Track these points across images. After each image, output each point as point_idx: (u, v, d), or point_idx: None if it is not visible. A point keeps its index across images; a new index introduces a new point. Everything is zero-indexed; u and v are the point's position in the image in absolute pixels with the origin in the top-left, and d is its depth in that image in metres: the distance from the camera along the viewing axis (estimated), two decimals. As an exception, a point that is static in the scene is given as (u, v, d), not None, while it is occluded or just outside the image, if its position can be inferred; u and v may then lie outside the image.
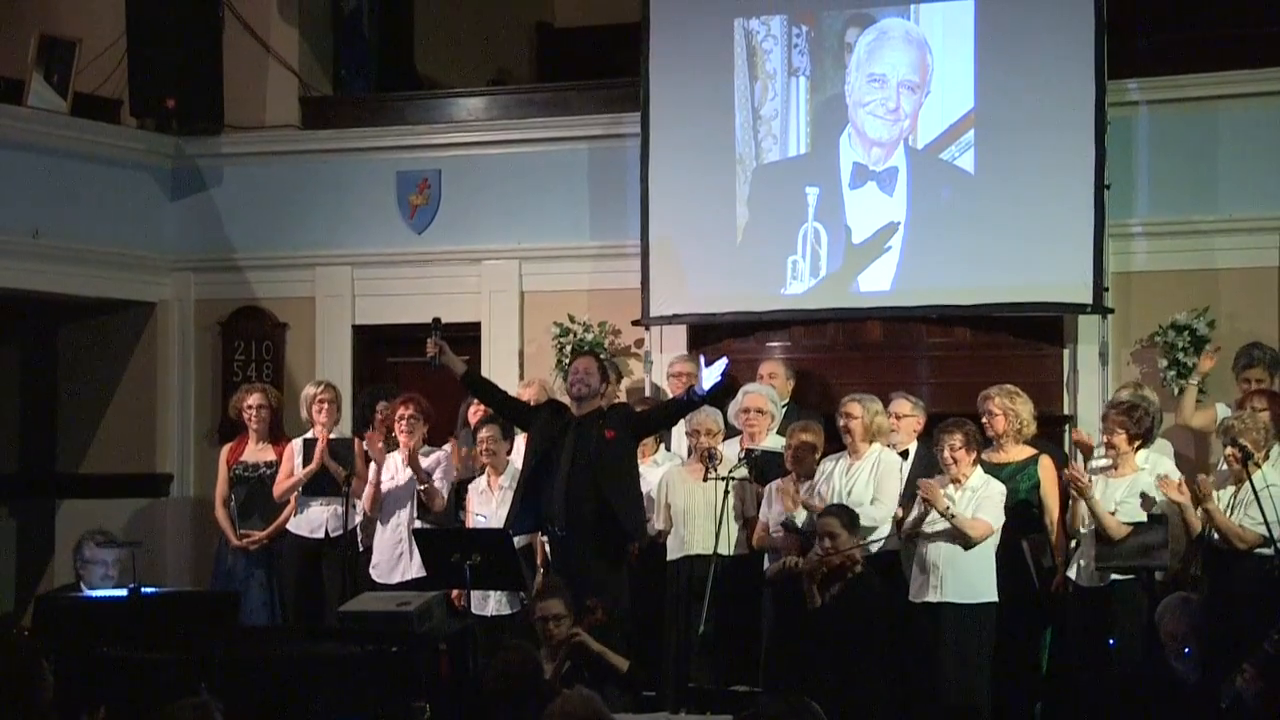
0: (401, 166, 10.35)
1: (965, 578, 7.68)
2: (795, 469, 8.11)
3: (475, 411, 9.08)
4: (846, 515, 7.68)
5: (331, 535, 9.15)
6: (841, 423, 8.18)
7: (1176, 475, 7.85)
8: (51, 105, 9.83)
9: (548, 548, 8.44)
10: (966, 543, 7.64)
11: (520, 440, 8.74)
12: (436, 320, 8.40)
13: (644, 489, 8.44)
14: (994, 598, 7.70)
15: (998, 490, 7.74)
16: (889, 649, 7.67)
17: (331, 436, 9.18)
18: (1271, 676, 6.34)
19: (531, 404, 8.75)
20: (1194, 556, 7.88)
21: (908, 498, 7.96)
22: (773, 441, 8.44)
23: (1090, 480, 7.70)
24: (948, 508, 7.59)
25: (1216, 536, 7.62)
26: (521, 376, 9.89)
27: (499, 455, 8.63)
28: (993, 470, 7.89)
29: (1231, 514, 7.54)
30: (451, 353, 8.44)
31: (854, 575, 7.63)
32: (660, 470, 8.64)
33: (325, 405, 9.27)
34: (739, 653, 8.11)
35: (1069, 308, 8.97)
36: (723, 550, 8.04)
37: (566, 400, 8.55)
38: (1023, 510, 7.93)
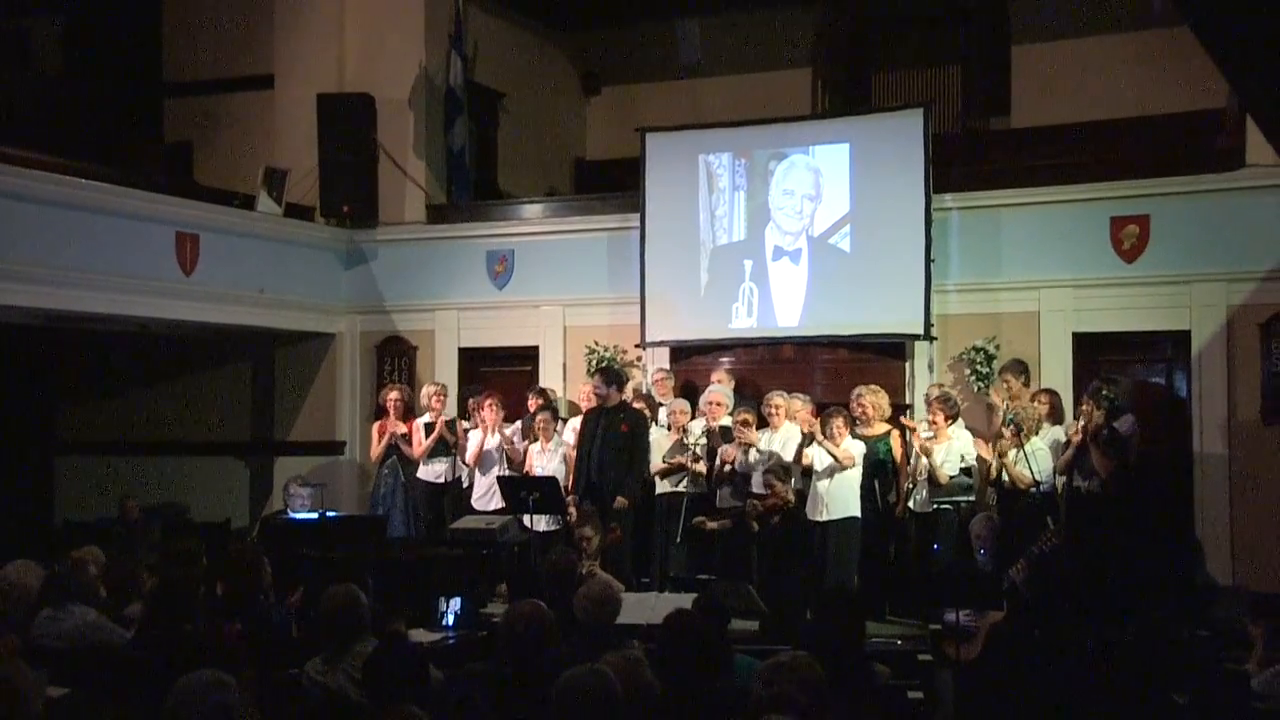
0: (489, 247, 10.20)
1: (839, 500, 7.67)
2: (738, 436, 8.03)
3: (534, 403, 8.98)
4: (782, 471, 7.68)
5: (447, 481, 9.06)
6: (767, 409, 8.18)
7: (972, 447, 7.91)
8: (272, 211, 9.77)
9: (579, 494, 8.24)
10: (842, 467, 7.61)
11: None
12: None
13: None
14: (858, 514, 7.69)
15: (860, 445, 7.80)
16: (804, 553, 7.65)
17: (445, 419, 9.14)
18: (1034, 569, 6.47)
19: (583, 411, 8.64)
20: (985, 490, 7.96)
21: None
22: (726, 420, 8.32)
23: (931, 447, 7.74)
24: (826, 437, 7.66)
25: (1006, 479, 7.67)
26: (564, 380, 9.85)
27: (548, 429, 8.56)
28: (864, 439, 7.89)
29: (1017, 465, 7.57)
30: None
31: (789, 508, 7.63)
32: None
33: (442, 398, 9.20)
34: (701, 554, 8.05)
35: (909, 336, 8.87)
36: (691, 490, 8.10)
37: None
38: (881, 464, 7.92)
